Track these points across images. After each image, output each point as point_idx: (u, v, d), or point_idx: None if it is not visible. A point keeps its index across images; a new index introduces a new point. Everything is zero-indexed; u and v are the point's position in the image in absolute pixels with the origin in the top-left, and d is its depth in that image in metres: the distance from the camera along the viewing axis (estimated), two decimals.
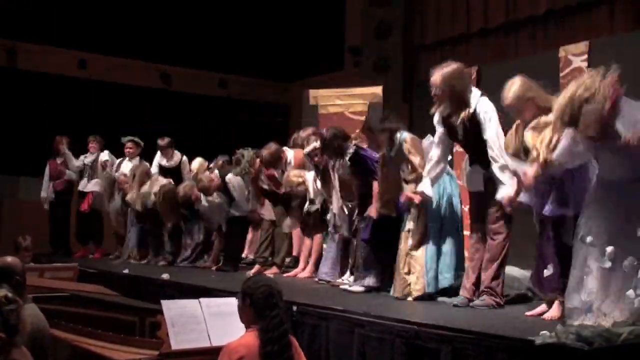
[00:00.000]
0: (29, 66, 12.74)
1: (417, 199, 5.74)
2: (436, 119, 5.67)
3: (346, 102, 9.59)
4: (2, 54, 12.62)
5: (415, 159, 6.01)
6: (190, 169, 9.74)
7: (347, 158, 6.60)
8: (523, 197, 4.93)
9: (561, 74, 8.05)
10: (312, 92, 10.09)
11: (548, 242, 4.92)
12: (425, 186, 5.69)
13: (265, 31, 14.28)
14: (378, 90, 9.10)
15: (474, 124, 5.38)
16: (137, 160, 10.52)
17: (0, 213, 12.57)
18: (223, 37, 14.11)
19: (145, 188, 9.62)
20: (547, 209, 4.80)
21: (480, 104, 5.40)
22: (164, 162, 10.24)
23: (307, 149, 7.17)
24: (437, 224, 5.95)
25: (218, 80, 14.58)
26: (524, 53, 9.80)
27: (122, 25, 13.26)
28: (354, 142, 6.65)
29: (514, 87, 4.98)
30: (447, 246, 5.93)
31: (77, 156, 11.04)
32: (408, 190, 5.97)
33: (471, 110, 5.40)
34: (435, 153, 5.72)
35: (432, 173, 5.73)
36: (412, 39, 11.91)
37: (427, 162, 5.79)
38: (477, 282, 5.57)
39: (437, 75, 5.44)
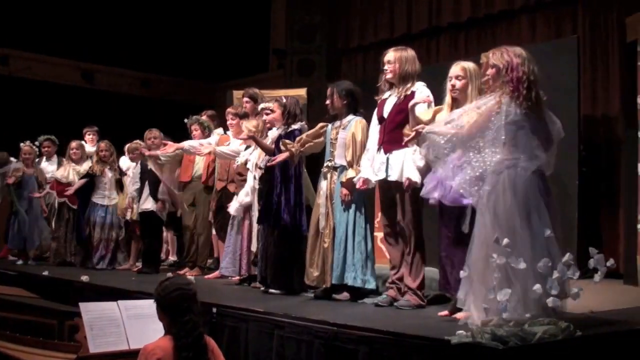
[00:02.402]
0: None
1: (359, 184, 5.82)
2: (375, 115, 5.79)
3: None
4: None
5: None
6: None
7: (288, 129, 6.63)
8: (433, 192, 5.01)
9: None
10: (237, 93, 10.04)
11: (453, 240, 5.00)
12: (367, 173, 5.78)
13: (191, 32, 14.22)
14: (302, 92, 9.17)
15: (405, 102, 5.45)
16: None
17: None
18: (148, 36, 13.98)
19: None
20: (448, 197, 4.87)
21: (421, 88, 5.56)
22: None
23: (263, 104, 7.16)
24: (345, 221, 6.03)
25: (141, 80, 14.44)
26: (445, 58, 9.97)
27: (45, 22, 13.01)
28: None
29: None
30: (355, 244, 6.00)
31: None
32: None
33: (411, 89, 5.54)
34: (372, 142, 5.81)
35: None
36: (336, 42, 12.04)
37: (366, 152, 5.88)
38: (397, 282, 5.67)
39: (393, 53, 5.61)
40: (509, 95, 4.46)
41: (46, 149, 10.38)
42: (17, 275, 8.54)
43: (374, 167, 5.69)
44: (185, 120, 8.49)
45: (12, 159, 10.22)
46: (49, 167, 10.26)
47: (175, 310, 3.80)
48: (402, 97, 5.55)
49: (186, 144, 7.99)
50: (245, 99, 7.91)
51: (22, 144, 10.01)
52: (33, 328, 5.85)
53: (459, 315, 4.87)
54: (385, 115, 5.62)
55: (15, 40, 12.80)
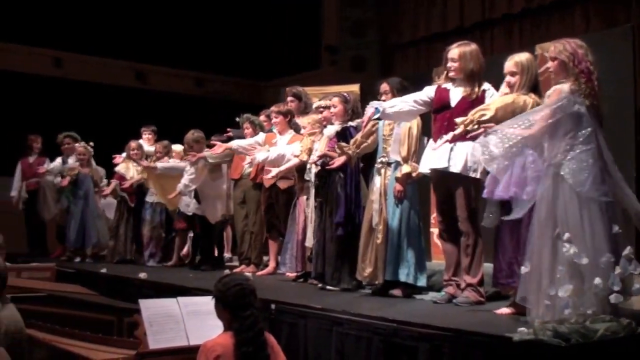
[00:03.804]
0: (2, 66, 12.63)
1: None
2: (431, 89, 5.71)
3: None
4: None
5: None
6: None
7: (341, 126, 6.60)
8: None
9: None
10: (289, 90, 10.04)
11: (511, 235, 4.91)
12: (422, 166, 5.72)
13: (243, 30, 14.28)
14: (355, 88, 9.11)
15: (476, 102, 5.36)
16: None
17: None
18: (200, 36, 14.08)
19: None
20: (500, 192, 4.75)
21: (490, 89, 5.48)
22: None
23: (318, 103, 7.17)
24: (399, 217, 5.99)
25: (195, 79, 14.55)
26: (499, 50, 9.86)
27: (98, 24, 13.19)
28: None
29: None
30: (408, 241, 5.97)
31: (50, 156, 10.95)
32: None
33: (482, 88, 5.46)
34: (409, 97, 5.76)
35: (396, 104, 5.75)
36: (388, 37, 11.98)
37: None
38: (454, 278, 5.60)
39: (457, 50, 5.51)
40: (577, 87, 4.39)
41: (66, 145, 10.53)
42: (75, 273, 8.67)
43: (429, 155, 5.61)
44: (237, 119, 8.53)
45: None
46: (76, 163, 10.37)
47: (236, 306, 3.80)
48: (473, 95, 5.45)
49: (234, 143, 8.03)
50: (290, 97, 7.91)
51: (76, 145, 10.17)
52: (92, 324, 5.90)
53: (501, 310, 4.87)
54: (453, 104, 5.51)
55: (69, 42, 13.00)
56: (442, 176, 5.53)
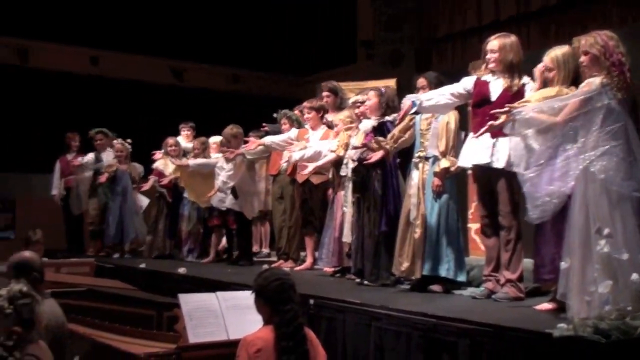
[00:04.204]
0: (40, 64, 12.81)
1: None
2: (468, 80, 5.67)
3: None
4: (14, 53, 12.68)
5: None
6: None
7: (379, 120, 6.58)
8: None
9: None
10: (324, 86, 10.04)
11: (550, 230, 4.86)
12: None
13: (279, 26, 14.30)
14: (391, 82, 9.06)
15: (517, 96, 5.32)
16: (108, 151, 10.55)
17: (14, 211, 12.64)
18: (236, 33, 14.12)
19: None
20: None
21: (530, 83, 5.41)
22: None
23: (354, 97, 7.16)
24: (437, 212, 5.97)
25: (231, 76, 14.61)
26: (536, 45, 9.74)
27: (134, 22, 13.31)
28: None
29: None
30: (447, 236, 5.94)
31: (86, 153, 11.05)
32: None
33: (522, 82, 5.40)
34: (446, 89, 5.71)
35: (433, 97, 5.71)
36: (424, 31, 11.91)
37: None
38: (494, 274, 5.56)
39: (497, 41, 5.47)
40: (609, 80, 4.34)
41: (99, 141, 10.62)
42: (113, 268, 8.76)
43: (471, 149, 5.57)
44: (275, 115, 8.55)
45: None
46: (109, 158, 10.47)
47: (277, 300, 3.81)
48: (514, 88, 5.39)
49: (268, 139, 8.05)
50: (326, 92, 7.90)
51: (114, 142, 10.26)
52: (132, 319, 5.95)
53: (542, 306, 4.82)
54: (493, 98, 5.46)
55: (105, 41, 13.12)
56: (484, 171, 5.47)
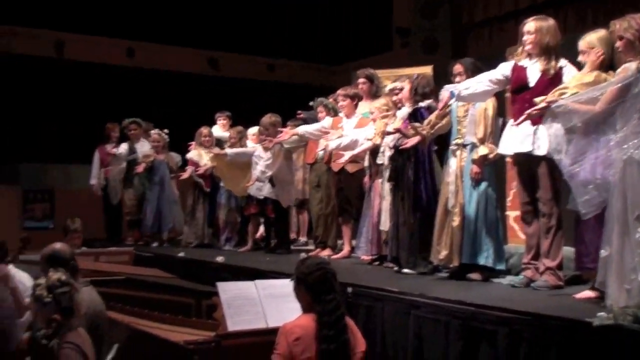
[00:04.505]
0: (77, 56, 12.94)
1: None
2: (506, 66, 5.61)
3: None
4: (50, 45, 12.82)
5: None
6: None
7: (413, 107, 6.54)
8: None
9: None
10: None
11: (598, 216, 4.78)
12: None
13: (313, 14, 14.27)
14: (428, 70, 9.00)
15: (555, 80, 5.27)
16: (143, 141, 10.64)
17: (53, 201, 12.81)
18: (271, 21, 14.13)
19: None
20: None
21: (569, 67, 5.34)
22: None
23: (391, 84, 7.15)
24: (476, 199, 5.92)
25: (266, 65, 14.63)
26: (572, 30, 9.62)
27: (169, 13, 13.38)
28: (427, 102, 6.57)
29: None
30: (486, 223, 5.89)
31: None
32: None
33: (559, 65, 5.34)
34: (484, 77, 5.65)
35: (471, 86, 5.66)
36: (460, 17, 11.81)
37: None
38: (533, 262, 5.51)
39: (533, 23, 5.41)
40: None
41: (132, 131, 10.69)
42: (152, 257, 8.82)
43: (511, 137, 5.51)
44: (311, 103, 8.54)
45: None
46: (143, 148, 10.56)
47: (319, 289, 3.81)
48: (551, 71, 5.33)
49: (301, 129, 8.05)
50: (362, 79, 7.86)
51: (152, 132, 10.32)
52: (171, 307, 6.00)
53: (583, 294, 4.78)
54: (532, 83, 5.39)
55: (141, 32, 13.21)
56: (525, 158, 5.42)
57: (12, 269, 5.51)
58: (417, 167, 6.38)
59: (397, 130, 6.46)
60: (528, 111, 4.96)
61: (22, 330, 4.76)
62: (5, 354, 5.05)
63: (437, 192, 6.30)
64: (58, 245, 4.76)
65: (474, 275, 5.90)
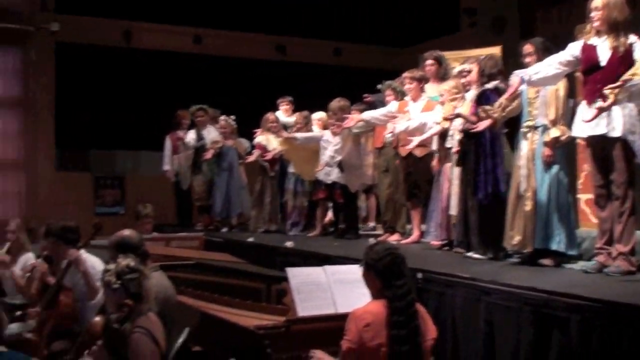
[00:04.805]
0: (145, 45, 13.12)
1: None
2: (575, 46, 5.48)
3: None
4: (119, 34, 13.03)
5: None
6: None
7: (480, 89, 6.44)
8: None
9: None
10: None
11: None
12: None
13: None
14: (496, 50, 8.86)
15: (626, 57, 5.14)
16: (209, 127, 10.69)
17: (123, 187, 13.06)
18: (337, 5, 14.07)
19: None
20: None
21: (637, 42, 5.20)
22: None
23: (460, 67, 7.07)
24: (548, 183, 5.80)
25: (333, 49, 14.59)
26: None
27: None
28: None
29: None
30: (558, 207, 5.77)
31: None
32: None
33: (629, 41, 5.20)
34: (553, 60, 5.53)
35: (541, 70, 5.55)
36: None
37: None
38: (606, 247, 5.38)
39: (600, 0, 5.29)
40: None
41: (199, 118, 10.77)
42: (222, 242, 8.91)
43: (582, 119, 5.37)
44: (379, 86, 8.48)
45: None
46: (210, 135, 10.61)
47: (389, 274, 3.80)
48: (621, 48, 5.17)
49: (367, 114, 8.01)
50: (430, 61, 7.76)
51: (221, 118, 10.40)
52: (241, 291, 6.05)
53: None
54: (603, 63, 5.25)
55: (208, 19, 13.30)
56: (598, 140, 5.29)
57: (83, 253, 5.63)
58: (489, 150, 6.28)
59: (458, 115, 6.38)
60: (599, 106, 4.87)
61: (94, 312, 4.86)
62: (76, 335, 5.17)
63: (507, 176, 6.19)
64: (127, 232, 4.84)
65: (546, 261, 5.80)
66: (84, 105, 12.58)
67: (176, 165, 11.09)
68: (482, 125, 6.15)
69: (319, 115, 9.32)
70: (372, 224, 9.70)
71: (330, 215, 9.40)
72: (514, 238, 5.93)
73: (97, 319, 4.35)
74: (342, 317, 4.04)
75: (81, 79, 12.59)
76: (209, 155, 10.30)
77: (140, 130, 12.73)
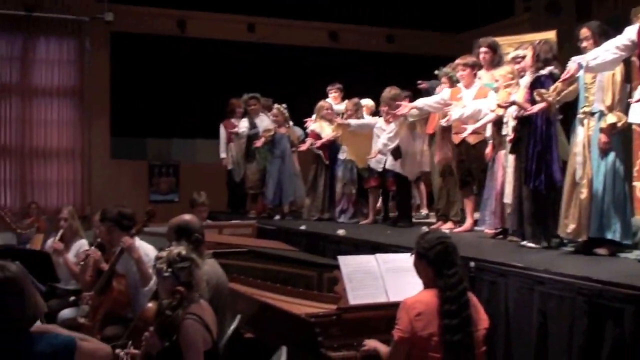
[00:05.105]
0: (199, 33, 13.22)
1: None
2: (632, 30, 5.35)
3: None
4: (173, 23, 13.15)
5: None
6: None
7: (534, 75, 6.33)
8: None
9: None
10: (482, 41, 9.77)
11: None
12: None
13: None
14: (551, 35, 8.70)
15: None
16: (262, 115, 10.73)
17: (178, 175, 13.21)
18: None
19: None
20: None
21: None
22: None
23: (514, 53, 6.96)
24: (604, 171, 5.69)
25: (385, 35, 14.51)
26: None
27: None
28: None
29: None
30: (614, 195, 5.66)
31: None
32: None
33: None
34: (610, 44, 5.40)
35: (599, 55, 5.42)
36: None
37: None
38: None
39: None
40: None
41: (252, 106, 10.80)
42: (275, 230, 8.95)
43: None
44: (436, 72, 8.39)
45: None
46: (262, 123, 10.63)
47: (441, 263, 3.77)
48: None
49: (420, 102, 7.95)
50: (484, 48, 7.64)
51: (274, 106, 10.43)
52: (293, 279, 6.08)
53: None
54: None
55: (261, 7, 13.34)
56: None
57: (137, 240, 5.70)
58: (541, 137, 6.18)
59: (513, 103, 6.28)
60: None
61: (147, 299, 4.92)
62: (129, 321, 5.25)
63: (562, 164, 6.08)
64: (188, 217, 4.87)
65: (601, 250, 5.70)
66: (139, 93, 12.77)
67: (233, 153, 11.14)
68: (536, 107, 6.05)
69: (365, 102, 9.29)
70: (424, 211, 9.64)
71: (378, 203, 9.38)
72: (568, 226, 5.83)
73: (150, 305, 4.39)
74: (394, 306, 4.02)
75: (136, 68, 12.79)
76: (259, 143, 10.34)
77: (195, 119, 12.87)
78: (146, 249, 5.72)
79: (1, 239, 10.41)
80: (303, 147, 10.01)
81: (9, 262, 3.08)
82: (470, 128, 7.17)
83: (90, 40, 12.68)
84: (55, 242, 7.11)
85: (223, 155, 11.25)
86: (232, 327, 4.69)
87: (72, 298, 6.17)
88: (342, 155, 9.48)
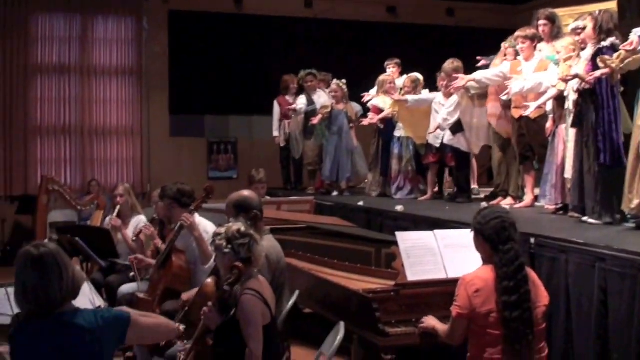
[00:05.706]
0: (256, 10, 13.25)
1: None
2: None
3: None
4: (230, 1, 13.25)
5: None
6: None
7: (596, 47, 6.16)
8: None
9: None
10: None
11: None
12: None
13: None
14: (612, 4, 8.48)
15: None
16: (319, 92, 10.68)
17: (236, 152, 13.30)
18: None
19: None
20: None
21: None
22: None
23: (574, 24, 6.82)
24: None
25: (445, 9, 14.34)
26: None
27: None
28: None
29: None
30: None
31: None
32: None
33: None
34: None
35: None
36: None
37: None
38: None
39: None
40: None
41: (309, 83, 10.78)
42: (333, 206, 8.96)
43: None
44: (504, 43, 8.22)
45: None
46: (320, 99, 10.62)
47: (497, 239, 3.74)
48: None
49: (478, 74, 7.82)
50: (543, 21, 7.44)
51: (333, 82, 10.40)
52: (351, 255, 6.08)
53: None
54: None
55: None
56: None
57: (196, 217, 5.75)
58: (603, 110, 6.03)
59: (576, 76, 6.14)
60: None
61: (206, 275, 4.96)
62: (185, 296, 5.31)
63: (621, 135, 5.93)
64: (246, 193, 4.88)
65: None
66: (196, 71, 12.88)
67: (288, 130, 11.16)
68: (598, 72, 5.88)
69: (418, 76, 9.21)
70: (475, 186, 9.50)
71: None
72: (632, 201, 5.67)
73: (209, 280, 4.44)
74: (452, 283, 4.01)
75: (193, 46, 12.89)
76: (316, 120, 10.32)
77: (252, 95, 12.91)
78: (205, 226, 5.77)
79: (63, 215, 10.66)
80: (365, 122, 9.95)
81: (44, 242, 3.18)
82: (533, 105, 7.02)
83: (148, 19, 12.82)
84: (114, 218, 7.22)
85: (276, 133, 11.30)
86: (291, 302, 4.72)
87: (131, 274, 6.27)
88: (397, 133, 9.40)
